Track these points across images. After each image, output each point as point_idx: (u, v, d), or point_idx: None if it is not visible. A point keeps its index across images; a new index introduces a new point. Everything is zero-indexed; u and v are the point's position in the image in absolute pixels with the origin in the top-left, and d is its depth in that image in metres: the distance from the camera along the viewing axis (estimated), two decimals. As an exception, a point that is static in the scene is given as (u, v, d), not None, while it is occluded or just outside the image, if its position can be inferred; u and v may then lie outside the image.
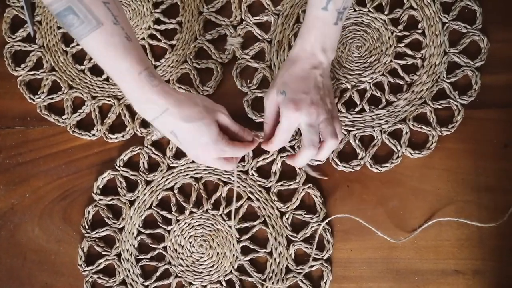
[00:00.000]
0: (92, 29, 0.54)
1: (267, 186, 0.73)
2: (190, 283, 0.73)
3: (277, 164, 0.73)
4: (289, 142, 0.72)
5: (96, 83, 0.79)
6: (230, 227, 0.72)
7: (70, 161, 0.78)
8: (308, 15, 0.63)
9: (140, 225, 0.74)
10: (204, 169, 0.74)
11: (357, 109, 0.73)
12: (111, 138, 0.77)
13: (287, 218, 0.72)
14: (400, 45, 0.74)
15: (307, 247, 0.71)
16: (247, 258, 0.72)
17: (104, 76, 0.79)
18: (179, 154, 0.76)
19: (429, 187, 0.71)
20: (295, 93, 0.62)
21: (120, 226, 0.75)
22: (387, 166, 0.71)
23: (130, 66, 0.56)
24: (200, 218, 0.74)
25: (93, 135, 0.78)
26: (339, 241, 0.72)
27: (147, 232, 0.74)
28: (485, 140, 0.71)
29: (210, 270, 0.73)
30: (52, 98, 0.79)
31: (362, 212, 0.72)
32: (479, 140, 0.71)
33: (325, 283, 0.70)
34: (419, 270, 0.70)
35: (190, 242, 0.74)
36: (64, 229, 0.77)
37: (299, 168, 0.73)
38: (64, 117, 0.79)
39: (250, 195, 0.73)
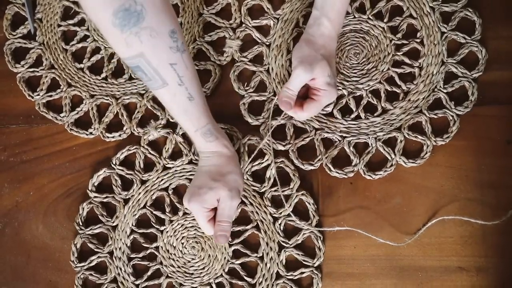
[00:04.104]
0: (158, 87, 0.60)
1: (261, 191, 0.73)
2: (181, 284, 0.73)
3: (271, 169, 0.73)
4: None
5: (94, 82, 0.79)
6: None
7: (74, 159, 0.79)
8: None
9: (134, 224, 0.75)
10: (199, 171, 0.74)
11: (352, 116, 0.73)
12: (108, 137, 0.78)
13: (280, 224, 0.72)
14: (398, 53, 0.73)
15: (298, 254, 0.71)
16: (238, 261, 0.72)
17: (102, 75, 0.79)
18: (175, 155, 0.76)
19: (432, 184, 0.71)
20: (335, 76, 0.69)
21: (114, 224, 0.75)
22: (380, 174, 0.71)
23: (187, 123, 0.65)
24: (193, 219, 0.74)
25: (91, 133, 0.78)
26: (342, 238, 0.71)
27: (140, 231, 0.75)
28: (488, 137, 0.71)
29: (201, 272, 0.73)
30: (51, 96, 0.80)
31: (365, 210, 0.72)
32: (482, 137, 0.71)
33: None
34: (422, 267, 0.69)
35: (183, 243, 0.74)
36: (68, 226, 0.77)
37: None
38: (62, 114, 0.79)
39: (244, 199, 0.73)
